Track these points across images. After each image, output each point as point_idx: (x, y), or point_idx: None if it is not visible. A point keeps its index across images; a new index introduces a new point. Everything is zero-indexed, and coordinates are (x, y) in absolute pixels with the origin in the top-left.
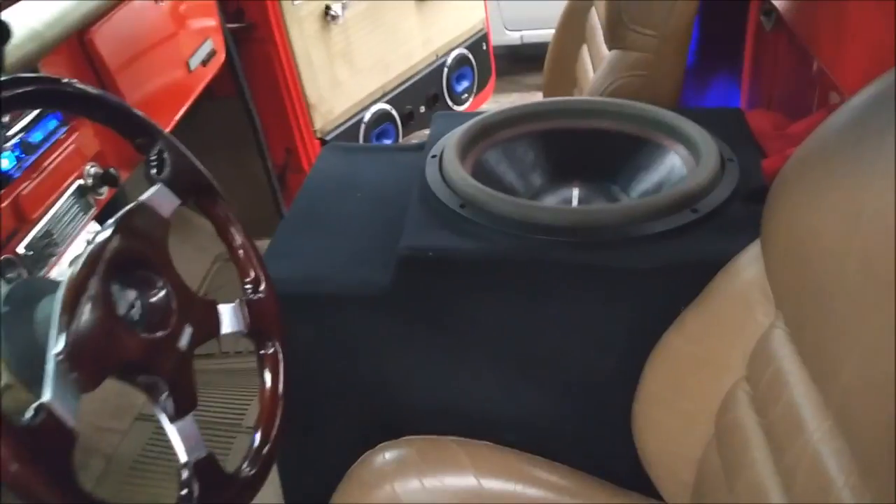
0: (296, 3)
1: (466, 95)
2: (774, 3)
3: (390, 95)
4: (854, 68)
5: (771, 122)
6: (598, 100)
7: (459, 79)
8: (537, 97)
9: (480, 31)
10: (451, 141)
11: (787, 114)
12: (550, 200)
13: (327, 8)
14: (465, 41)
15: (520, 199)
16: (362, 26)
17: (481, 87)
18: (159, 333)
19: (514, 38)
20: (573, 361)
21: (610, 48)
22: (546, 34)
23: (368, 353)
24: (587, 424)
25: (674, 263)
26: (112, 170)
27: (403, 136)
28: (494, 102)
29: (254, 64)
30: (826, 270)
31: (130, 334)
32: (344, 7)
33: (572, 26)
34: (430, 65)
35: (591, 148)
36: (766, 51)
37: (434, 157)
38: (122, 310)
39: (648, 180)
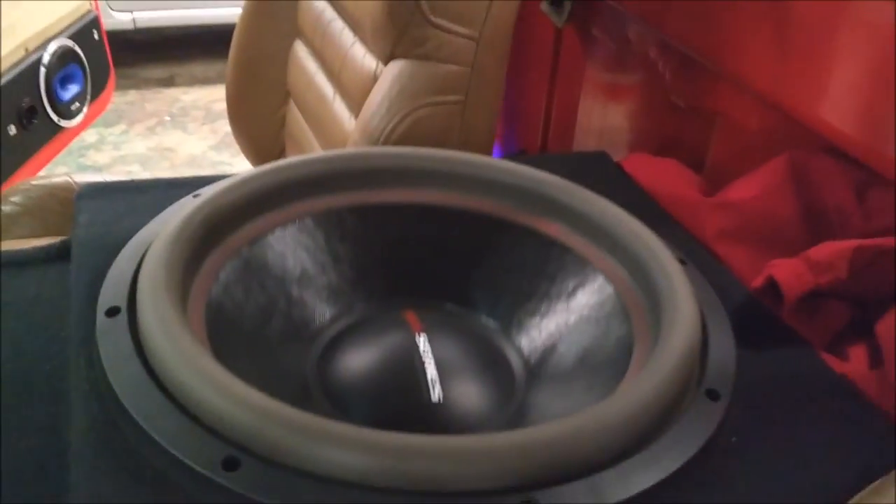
0: None
1: (78, 105)
2: None
3: None
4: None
5: (686, 182)
6: (429, 153)
7: (65, 82)
8: (165, 95)
9: (88, 13)
10: (148, 267)
11: (664, 152)
12: (366, 368)
13: None
14: (67, 28)
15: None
16: None
17: (98, 91)
18: None
19: (123, 20)
20: None
21: (388, 56)
22: (167, 17)
23: None
24: None
25: None
26: None
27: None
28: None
29: None
30: None
31: None
32: None
33: (272, 11)
34: (16, 65)
35: (440, 246)
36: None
37: (114, 311)
38: None
39: (549, 307)
